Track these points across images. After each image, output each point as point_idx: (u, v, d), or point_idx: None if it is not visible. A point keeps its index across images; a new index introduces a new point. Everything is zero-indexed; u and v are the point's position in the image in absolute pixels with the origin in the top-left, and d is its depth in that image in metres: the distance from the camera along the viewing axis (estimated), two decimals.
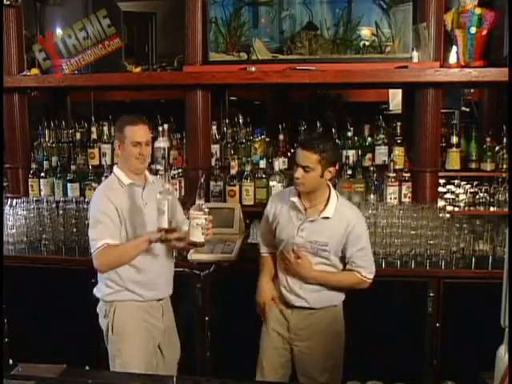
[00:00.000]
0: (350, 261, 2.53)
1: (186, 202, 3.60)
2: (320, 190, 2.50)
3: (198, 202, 2.45)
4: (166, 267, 2.73)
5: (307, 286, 2.55)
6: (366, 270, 2.55)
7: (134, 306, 2.61)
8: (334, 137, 3.58)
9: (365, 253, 2.54)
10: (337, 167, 2.59)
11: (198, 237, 2.43)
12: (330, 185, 2.57)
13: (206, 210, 2.45)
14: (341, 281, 2.58)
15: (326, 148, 2.40)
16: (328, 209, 2.49)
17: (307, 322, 2.59)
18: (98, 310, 2.70)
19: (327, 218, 2.48)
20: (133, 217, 2.59)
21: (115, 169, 2.69)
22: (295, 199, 2.52)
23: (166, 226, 2.46)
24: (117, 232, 2.55)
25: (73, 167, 3.75)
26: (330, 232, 2.49)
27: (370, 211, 3.23)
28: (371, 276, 2.57)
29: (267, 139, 3.80)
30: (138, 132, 2.59)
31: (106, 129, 3.79)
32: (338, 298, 2.63)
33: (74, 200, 3.61)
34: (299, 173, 2.43)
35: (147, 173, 2.73)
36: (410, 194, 3.36)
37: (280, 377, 2.64)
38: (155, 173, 3.62)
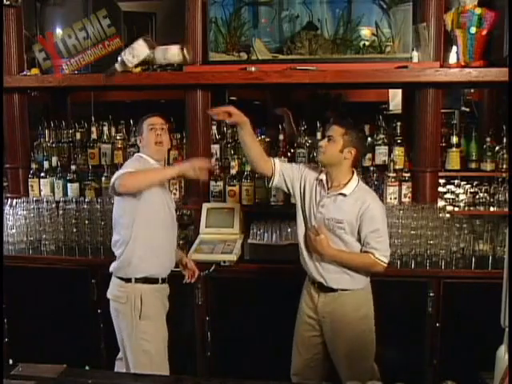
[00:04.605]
0: (365, 242, 2.61)
1: (186, 202, 3.61)
2: (341, 170, 2.65)
3: None
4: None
5: (325, 265, 2.65)
6: (379, 252, 2.60)
7: (155, 289, 2.75)
8: None
9: (379, 235, 2.60)
10: (358, 154, 2.67)
11: None
12: (355, 172, 2.72)
13: None
14: (354, 259, 2.65)
15: (351, 128, 2.64)
16: (346, 188, 2.64)
17: (332, 305, 2.68)
18: (109, 295, 2.77)
19: (344, 195, 2.62)
20: (153, 193, 2.71)
21: (140, 153, 2.87)
22: (323, 177, 2.70)
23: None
24: None
25: (73, 167, 3.75)
26: (345, 210, 2.61)
27: None
28: (385, 260, 2.62)
29: (267, 139, 3.80)
30: (154, 119, 2.86)
31: (105, 129, 3.78)
32: (360, 281, 2.68)
33: (73, 200, 3.62)
34: (323, 142, 2.67)
35: None
36: (410, 194, 3.36)
37: (312, 356, 2.77)
38: None
